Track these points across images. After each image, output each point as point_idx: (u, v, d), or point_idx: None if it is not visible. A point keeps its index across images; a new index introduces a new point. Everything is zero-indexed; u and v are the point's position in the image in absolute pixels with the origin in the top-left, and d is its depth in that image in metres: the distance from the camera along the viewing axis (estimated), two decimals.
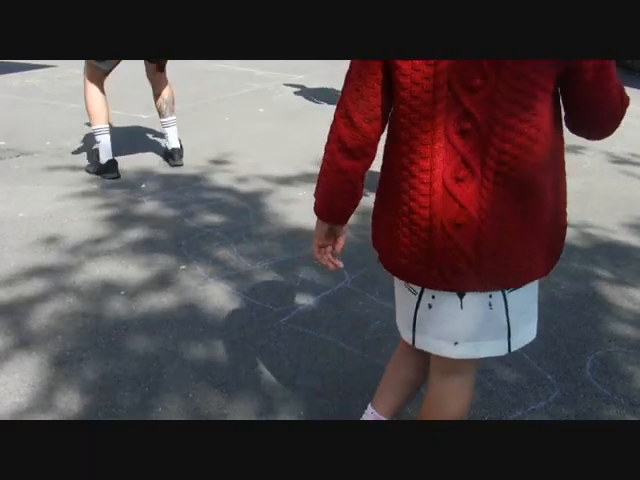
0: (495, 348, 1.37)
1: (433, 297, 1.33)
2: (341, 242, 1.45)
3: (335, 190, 1.33)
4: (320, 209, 1.39)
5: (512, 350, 1.38)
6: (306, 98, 5.97)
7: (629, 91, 1.29)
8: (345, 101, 1.27)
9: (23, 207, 3.32)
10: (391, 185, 1.30)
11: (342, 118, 1.27)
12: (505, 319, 1.33)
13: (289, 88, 6.35)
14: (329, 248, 1.45)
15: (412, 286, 1.35)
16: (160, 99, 3.99)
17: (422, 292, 1.34)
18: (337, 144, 1.28)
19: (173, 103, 4.03)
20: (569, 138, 1.33)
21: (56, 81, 5.99)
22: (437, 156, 1.21)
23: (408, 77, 1.18)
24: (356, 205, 1.38)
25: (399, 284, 1.42)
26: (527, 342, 1.42)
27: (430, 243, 1.25)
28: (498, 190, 1.21)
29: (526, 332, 1.41)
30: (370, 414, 1.63)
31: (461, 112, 1.19)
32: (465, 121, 1.19)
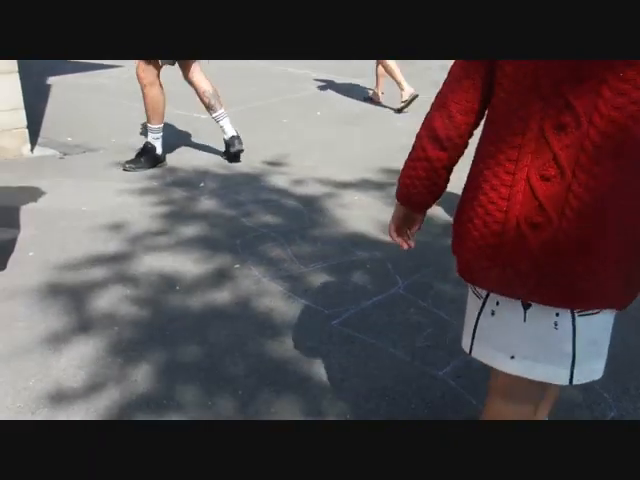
0: (554, 374, 1.28)
1: (497, 303, 1.28)
2: (416, 226, 1.50)
3: (417, 176, 1.34)
4: (400, 193, 1.41)
5: (574, 383, 1.28)
6: (364, 102, 5.97)
7: None
8: (444, 91, 1.28)
9: (87, 201, 3.44)
10: (476, 175, 1.25)
11: (437, 108, 1.28)
12: (571, 345, 1.25)
13: (347, 91, 6.36)
14: (404, 229, 1.49)
15: (478, 290, 1.32)
16: (205, 95, 4.03)
17: (487, 297, 1.30)
18: (427, 131, 1.30)
19: (219, 96, 4.06)
20: None
21: (123, 81, 6.18)
22: (526, 147, 1.15)
23: (512, 63, 1.15)
24: (435, 197, 1.38)
25: (470, 292, 1.39)
26: (592, 380, 1.32)
27: (500, 238, 1.19)
28: (587, 198, 1.11)
29: (594, 367, 1.31)
30: None
31: (562, 103, 1.11)
32: (564, 114, 1.11)
